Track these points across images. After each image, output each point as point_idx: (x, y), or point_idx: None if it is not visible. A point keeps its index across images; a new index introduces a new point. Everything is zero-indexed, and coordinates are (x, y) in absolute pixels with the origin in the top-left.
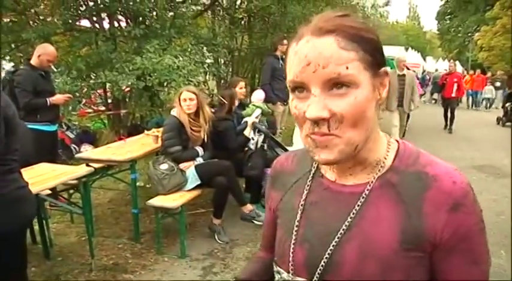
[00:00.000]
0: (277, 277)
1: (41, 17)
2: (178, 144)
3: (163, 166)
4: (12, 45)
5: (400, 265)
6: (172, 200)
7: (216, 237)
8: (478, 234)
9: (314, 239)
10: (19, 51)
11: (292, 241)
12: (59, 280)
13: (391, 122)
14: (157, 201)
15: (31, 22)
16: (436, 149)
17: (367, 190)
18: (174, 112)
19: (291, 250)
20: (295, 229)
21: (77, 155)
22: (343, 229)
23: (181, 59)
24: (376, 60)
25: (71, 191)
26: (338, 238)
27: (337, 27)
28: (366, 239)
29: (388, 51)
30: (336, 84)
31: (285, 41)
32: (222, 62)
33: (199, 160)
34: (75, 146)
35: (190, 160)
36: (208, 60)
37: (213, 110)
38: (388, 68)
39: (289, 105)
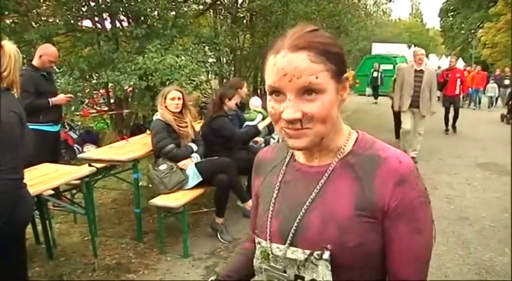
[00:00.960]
0: (257, 247)
1: (43, 18)
2: (170, 142)
3: (163, 167)
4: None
5: (355, 228)
6: (174, 200)
7: (218, 236)
8: (420, 206)
9: (286, 211)
10: (21, 52)
11: (269, 214)
12: (62, 280)
13: (405, 126)
14: (160, 200)
15: (33, 23)
16: (439, 147)
17: (330, 169)
18: (157, 116)
19: (268, 222)
20: (272, 204)
21: (79, 155)
22: (309, 201)
23: (183, 58)
24: (339, 70)
25: (74, 191)
26: (305, 208)
27: (309, 45)
28: (327, 208)
29: (391, 48)
30: (307, 91)
31: None
32: (224, 61)
33: (196, 156)
34: (78, 146)
35: (186, 157)
36: (210, 60)
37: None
38: (400, 64)
39: (268, 106)
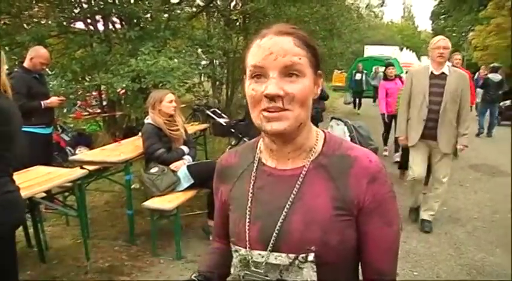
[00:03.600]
0: (235, 255)
1: (35, 20)
2: (160, 147)
3: (154, 169)
4: (7, 48)
5: (335, 227)
6: (167, 202)
7: (211, 238)
8: (390, 201)
9: (265, 217)
10: (13, 54)
11: (247, 221)
12: None
13: (414, 172)
14: (153, 203)
15: (25, 25)
16: None
17: (304, 171)
18: (147, 120)
19: (247, 228)
20: (248, 210)
21: (71, 158)
22: (288, 204)
23: (176, 60)
24: (317, 63)
25: (66, 193)
26: (285, 212)
27: (293, 32)
28: (308, 210)
29: (383, 51)
30: (289, 73)
31: None
32: (217, 63)
33: (188, 158)
34: (70, 148)
35: (177, 159)
36: (203, 62)
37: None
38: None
39: (247, 89)
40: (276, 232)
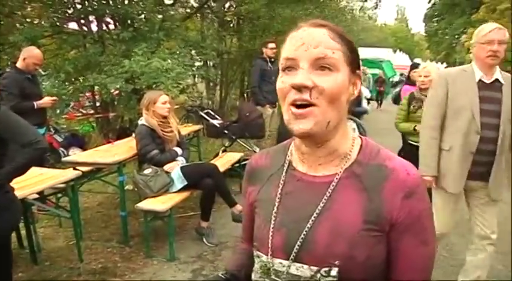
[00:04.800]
0: (256, 261)
1: (28, 20)
2: (154, 148)
3: (147, 171)
4: None
5: (363, 242)
6: (161, 203)
7: (204, 240)
8: (427, 218)
9: (290, 224)
10: (6, 54)
11: (271, 227)
12: None
13: (443, 227)
14: (146, 204)
15: (18, 25)
16: None
17: (336, 179)
18: (141, 121)
19: (270, 235)
20: (274, 216)
21: (64, 159)
22: (316, 213)
23: (169, 61)
24: (354, 59)
25: (59, 195)
26: (312, 221)
27: (327, 25)
28: (336, 221)
29: (377, 53)
30: (321, 66)
31: (270, 45)
32: (211, 64)
33: (181, 159)
34: (63, 149)
35: (170, 161)
36: (197, 63)
37: None
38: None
39: (277, 82)
40: (300, 241)
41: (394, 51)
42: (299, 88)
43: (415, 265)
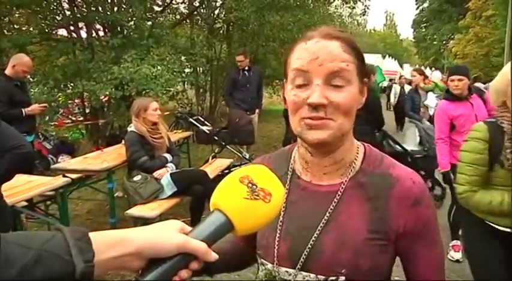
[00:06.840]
0: (261, 268)
1: (16, 26)
2: (143, 155)
3: (137, 177)
4: None
5: (368, 251)
6: (151, 210)
7: None
8: (434, 222)
9: (296, 233)
10: None
11: (277, 236)
12: None
13: None
14: (136, 211)
15: (6, 31)
16: None
17: (342, 189)
18: (131, 128)
19: (276, 243)
20: (279, 224)
21: (53, 166)
22: (322, 223)
23: (159, 68)
24: (363, 70)
25: (48, 202)
26: (319, 230)
27: (341, 36)
28: (342, 231)
29: (366, 58)
30: (335, 79)
31: (237, 58)
32: (201, 71)
33: (171, 166)
34: (52, 156)
35: (160, 167)
36: (186, 70)
37: None
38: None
39: (285, 94)
40: (307, 250)
41: (384, 57)
42: (315, 107)
43: (432, 267)
